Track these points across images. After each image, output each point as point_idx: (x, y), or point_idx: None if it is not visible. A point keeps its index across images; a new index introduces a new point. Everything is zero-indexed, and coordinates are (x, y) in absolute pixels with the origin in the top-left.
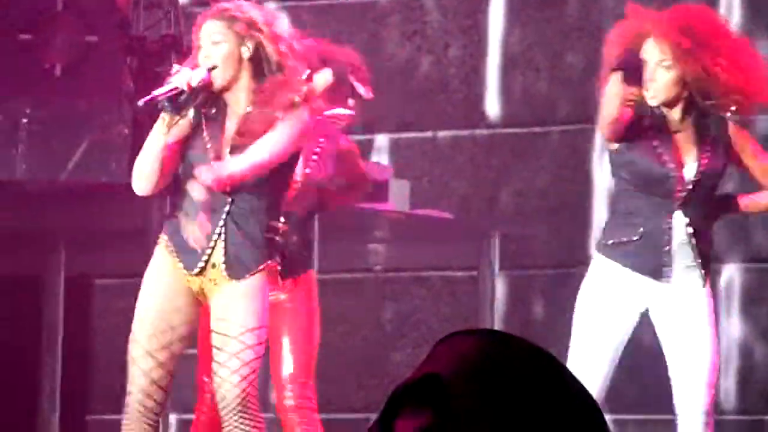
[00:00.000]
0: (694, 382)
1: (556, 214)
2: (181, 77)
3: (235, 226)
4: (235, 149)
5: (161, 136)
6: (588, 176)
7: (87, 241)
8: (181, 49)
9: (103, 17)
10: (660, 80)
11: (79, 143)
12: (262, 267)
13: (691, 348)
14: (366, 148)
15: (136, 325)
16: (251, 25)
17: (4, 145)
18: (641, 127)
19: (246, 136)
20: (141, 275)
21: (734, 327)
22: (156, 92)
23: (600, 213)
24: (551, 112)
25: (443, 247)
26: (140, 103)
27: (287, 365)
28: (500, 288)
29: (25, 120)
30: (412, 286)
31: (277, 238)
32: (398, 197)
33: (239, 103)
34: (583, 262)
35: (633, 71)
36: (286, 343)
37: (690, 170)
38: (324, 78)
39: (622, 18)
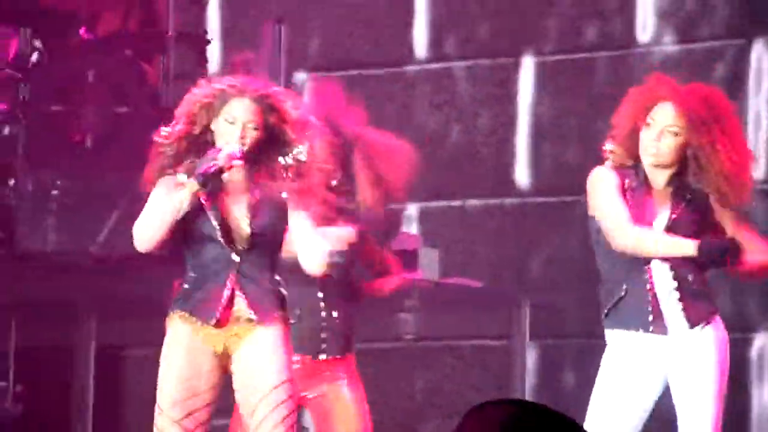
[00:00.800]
0: None
1: (586, 283)
2: (227, 157)
3: (248, 279)
4: (254, 215)
5: (186, 202)
6: None
7: (117, 311)
8: None
9: (134, 89)
10: (666, 143)
11: (109, 215)
12: (279, 314)
13: (694, 406)
14: (396, 217)
15: (160, 396)
16: (282, 117)
17: (34, 217)
18: (623, 190)
19: (257, 218)
20: None
21: (767, 396)
22: (208, 169)
23: None
24: (581, 181)
25: (474, 316)
26: (208, 170)
27: None
28: (531, 357)
29: (55, 191)
30: (442, 355)
31: (282, 290)
32: (428, 266)
33: (238, 173)
34: None
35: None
36: None
37: (661, 220)
38: None
39: None
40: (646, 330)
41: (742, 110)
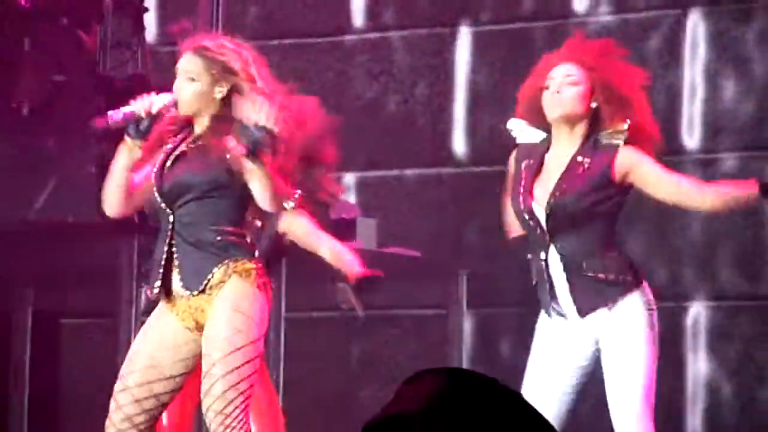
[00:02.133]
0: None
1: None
2: (141, 103)
3: (183, 244)
4: (174, 164)
5: (123, 159)
6: None
7: (54, 280)
8: (149, 88)
9: (71, 57)
10: (565, 94)
11: (46, 182)
12: (217, 270)
13: (617, 387)
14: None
15: (124, 363)
16: (227, 69)
17: None
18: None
19: (175, 170)
20: (108, 314)
21: (701, 365)
22: (111, 113)
23: None
24: None
25: (411, 285)
26: (94, 124)
27: None
28: (468, 326)
29: None
30: (379, 325)
31: (234, 238)
32: (365, 235)
33: (200, 129)
34: None
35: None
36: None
37: (541, 204)
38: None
39: None
40: (548, 313)
41: (678, 80)
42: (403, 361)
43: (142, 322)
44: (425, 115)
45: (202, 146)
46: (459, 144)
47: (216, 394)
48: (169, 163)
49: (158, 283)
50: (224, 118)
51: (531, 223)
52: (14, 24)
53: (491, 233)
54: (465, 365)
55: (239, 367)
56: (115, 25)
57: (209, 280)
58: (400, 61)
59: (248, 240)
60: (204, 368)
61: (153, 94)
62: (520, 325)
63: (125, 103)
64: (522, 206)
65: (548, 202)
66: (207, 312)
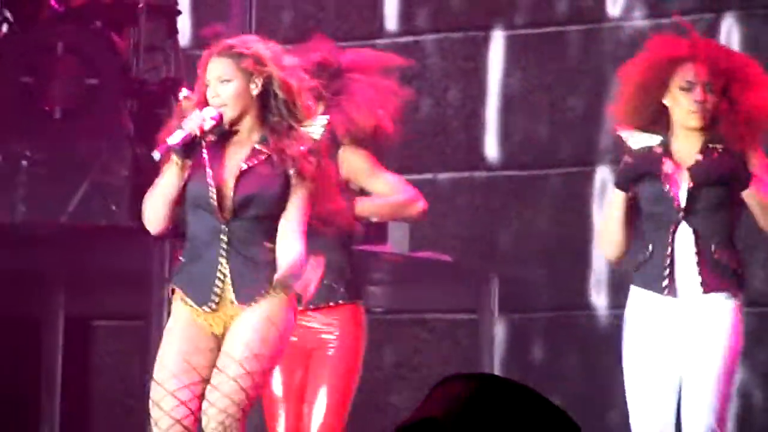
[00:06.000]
0: (697, 407)
1: (555, 257)
2: (194, 122)
3: (236, 254)
4: (239, 183)
5: (175, 179)
6: (588, 219)
7: (86, 283)
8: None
9: (104, 60)
10: (710, 101)
11: (78, 186)
12: (268, 290)
13: (699, 378)
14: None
15: (157, 370)
16: (258, 60)
17: (4, 188)
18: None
19: (242, 187)
20: (140, 317)
21: None
22: (170, 141)
23: (599, 256)
24: (551, 155)
25: (443, 290)
26: (156, 155)
27: (315, 420)
28: (500, 331)
29: (25, 162)
30: (412, 329)
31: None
32: (397, 239)
33: (245, 134)
34: (583, 305)
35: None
36: (321, 394)
37: (684, 177)
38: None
39: (622, 61)
40: (660, 291)
41: None
42: (435, 365)
43: None
44: (458, 119)
45: (265, 162)
46: (491, 148)
47: (225, 391)
48: (232, 178)
49: (212, 304)
50: (280, 130)
51: (661, 204)
52: (47, 27)
53: (523, 238)
54: (496, 370)
55: (254, 372)
56: (149, 28)
57: (261, 295)
58: (433, 65)
59: None
60: (219, 363)
61: (197, 111)
62: (551, 330)
63: (158, 105)
64: (663, 188)
65: (693, 179)
66: (236, 317)
